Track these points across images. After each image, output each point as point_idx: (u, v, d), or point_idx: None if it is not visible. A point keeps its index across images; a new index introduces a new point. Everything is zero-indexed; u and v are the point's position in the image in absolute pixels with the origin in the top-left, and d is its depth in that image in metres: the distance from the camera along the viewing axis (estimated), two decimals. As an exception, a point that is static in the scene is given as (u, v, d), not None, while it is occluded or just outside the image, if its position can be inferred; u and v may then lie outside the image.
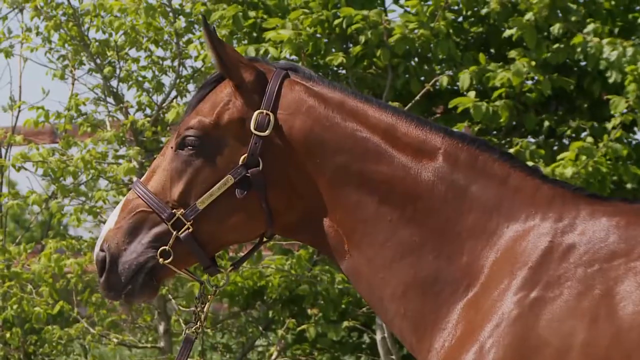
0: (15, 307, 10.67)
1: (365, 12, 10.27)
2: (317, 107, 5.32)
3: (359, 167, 5.28)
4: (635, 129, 11.01)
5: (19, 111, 11.29)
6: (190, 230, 5.11)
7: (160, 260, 5.07)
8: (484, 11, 10.76)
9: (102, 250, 5.16)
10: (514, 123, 10.78)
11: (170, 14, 10.87)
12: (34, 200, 11.29)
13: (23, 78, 14.15)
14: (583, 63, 10.93)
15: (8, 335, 10.79)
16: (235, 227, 5.32)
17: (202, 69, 10.85)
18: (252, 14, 10.99)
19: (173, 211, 5.13)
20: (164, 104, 10.86)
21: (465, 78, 10.18)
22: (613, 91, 10.18)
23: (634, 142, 10.93)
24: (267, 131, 5.17)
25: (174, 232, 5.10)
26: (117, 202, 9.05)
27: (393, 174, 5.24)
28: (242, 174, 5.15)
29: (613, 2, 11.02)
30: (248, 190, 5.16)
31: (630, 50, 9.94)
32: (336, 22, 10.37)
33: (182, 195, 5.18)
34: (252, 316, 11.09)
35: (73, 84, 11.06)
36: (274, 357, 10.48)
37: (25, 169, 11.13)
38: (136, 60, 11.09)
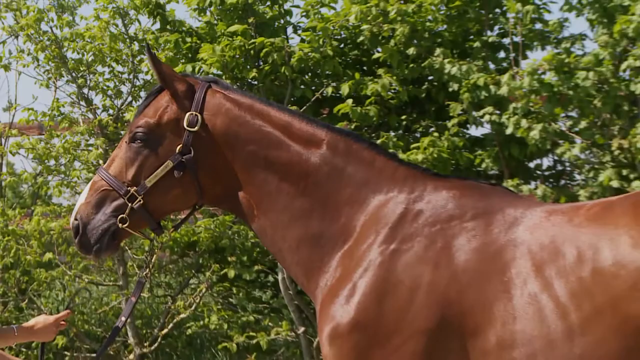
0: (11, 256, 11.67)
1: (272, 40, 11.24)
2: (233, 109, 6.11)
3: (265, 154, 6.05)
4: (468, 126, 11.80)
5: (15, 111, 12.54)
6: (141, 202, 5.95)
7: (120, 225, 5.94)
8: (359, 39, 11.60)
9: (75, 219, 6.05)
10: (381, 122, 11.65)
11: (127, 40, 11.84)
12: (25, 177, 12.82)
13: (18, 87, 15.47)
14: (430, 77, 11.80)
15: (7, 276, 11.83)
16: (174, 199, 6.16)
17: (151, 80, 11.60)
18: (188, 39, 11.85)
19: (128, 189, 5.94)
20: (123, 106, 11.94)
21: (345, 88, 11.30)
22: (452, 98, 11.34)
23: (467, 136, 11.79)
24: (196, 127, 6.00)
25: (129, 204, 5.95)
26: (88, 180, 11.08)
27: (290, 158, 6.04)
28: (179, 160, 5.96)
29: (454, 32, 11.73)
30: (183, 171, 5.98)
31: (464, 68, 10.80)
32: (251, 47, 11.27)
33: (135, 176, 6.01)
34: (186, 262, 12.05)
35: (55, 91, 12.22)
36: (202, 292, 11.47)
37: (20, 154, 12.34)
38: (102, 74, 12.12)
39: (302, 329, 10.84)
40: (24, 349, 12.09)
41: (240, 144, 6.09)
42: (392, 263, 5.66)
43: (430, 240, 5.69)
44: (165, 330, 11.50)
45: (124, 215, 5.96)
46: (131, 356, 11.27)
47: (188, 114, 6.03)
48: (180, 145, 6.00)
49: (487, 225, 5.69)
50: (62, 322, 6.37)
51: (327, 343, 5.69)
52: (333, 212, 6.00)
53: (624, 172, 10.14)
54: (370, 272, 5.68)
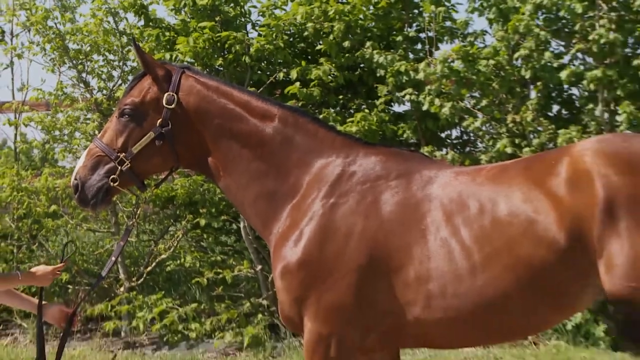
0: (24, 208, 11.58)
1: (235, 34, 11.16)
2: (202, 90, 6.11)
3: (229, 126, 6.05)
4: (392, 104, 11.75)
5: (27, 91, 12.30)
6: (129, 165, 5.93)
7: (111, 184, 5.92)
8: (305, 34, 11.65)
9: (75, 179, 6.02)
10: (322, 100, 11.54)
11: (117, 34, 11.73)
12: (36, 145, 12.74)
13: (29, 72, 15.32)
14: (362, 65, 11.82)
15: (20, 224, 11.74)
16: (155, 163, 6.13)
17: (136, 66, 11.43)
18: (167, 34, 11.75)
19: (118, 155, 5.93)
20: (114, 87, 11.80)
21: (293, 73, 11.25)
22: (379, 82, 11.37)
23: (391, 112, 11.77)
24: (173, 105, 5.97)
25: (119, 167, 5.93)
26: (85, 147, 9.87)
27: (249, 130, 6.04)
28: (159, 131, 5.96)
29: (381, 28, 11.71)
30: (163, 141, 5.99)
31: (389, 57, 10.96)
32: (217, 39, 11.20)
33: (123, 145, 5.99)
34: (166, 213, 11.89)
35: (59, 75, 12.00)
36: (179, 237, 11.39)
37: (31, 126, 12.31)
38: (97, 61, 12.01)
39: (259, 267, 10.82)
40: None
41: (209, 118, 6.08)
42: (331, 214, 5.70)
43: (362, 195, 5.74)
44: (149, 268, 11.41)
45: (115, 176, 5.92)
46: (122, 289, 11.24)
47: (166, 94, 6.01)
48: (160, 119, 5.98)
49: (407, 184, 5.76)
50: (58, 272, 6.29)
51: (279, 278, 5.75)
52: (284, 174, 6.00)
53: (517, 141, 10.30)
54: (314, 221, 5.72)
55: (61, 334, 6.25)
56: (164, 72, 6.09)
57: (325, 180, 5.88)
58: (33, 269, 6.28)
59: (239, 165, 6.07)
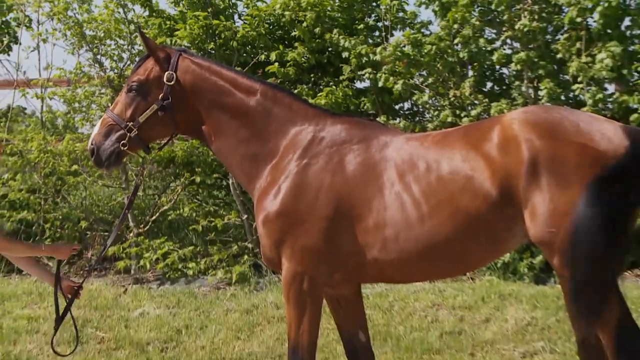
0: (50, 167, 11.48)
1: (224, 22, 11.17)
2: (197, 69, 6.05)
3: (219, 100, 6.00)
4: (355, 81, 11.71)
5: (51, 70, 12.08)
6: (136, 132, 5.89)
7: (122, 148, 5.87)
8: (282, 22, 11.70)
9: (91, 144, 5.98)
10: (297, 78, 11.43)
11: (126, 23, 11.58)
12: (59, 114, 12.80)
13: (53, 54, 15.11)
14: (330, 48, 11.65)
15: (47, 181, 11.57)
16: (158, 131, 6.09)
17: (142, 49, 11.07)
18: (167, 22, 11.73)
19: (127, 123, 5.89)
20: (124, 67, 11.65)
21: (273, 56, 11.21)
22: (344, 62, 11.30)
23: (354, 88, 11.65)
24: (172, 82, 5.92)
25: (128, 134, 5.89)
26: (100, 117, 9.93)
27: (236, 102, 5.98)
28: (161, 104, 5.90)
29: (345, 18, 11.69)
30: (164, 112, 5.93)
31: (352, 42, 10.91)
32: (210, 27, 11.16)
33: (131, 115, 5.94)
34: (168, 172, 11.81)
35: (78, 57, 11.89)
36: (179, 191, 11.34)
37: (55, 99, 12.16)
38: (109, 45, 11.84)
39: (245, 216, 10.82)
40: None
41: (202, 93, 6.04)
42: (304, 172, 5.74)
43: (330, 157, 5.77)
44: (154, 217, 11.31)
45: (125, 141, 5.90)
46: (131, 234, 11.17)
47: (166, 72, 5.95)
48: (162, 94, 5.93)
49: (367, 147, 5.80)
50: (74, 250, 6.25)
51: (261, 226, 5.79)
52: (265, 139, 5.98)
53: (457, 112, 10.35)
54: (290, 179, 5.76)
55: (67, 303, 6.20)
56: (165, 54, 6.03)
57: (299, 145, 5.88)
58: (55, 244, 6.26)
59: (227, 132, 6.03)
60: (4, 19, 12.62)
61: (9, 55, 12.67)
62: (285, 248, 5.75)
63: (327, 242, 5.63)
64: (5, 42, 12.57)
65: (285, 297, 5.79)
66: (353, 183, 5.68)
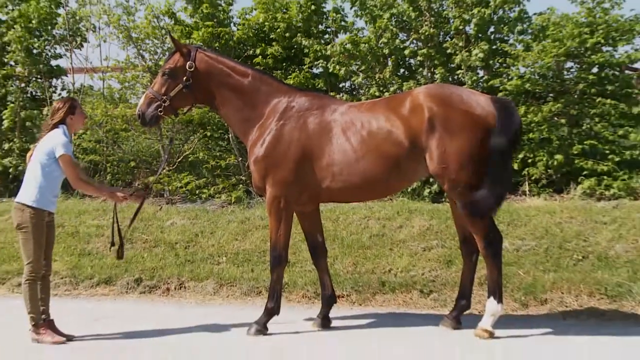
0: (109, 125, 11.23)
1: (225, 29, 10.79)
2: (208, 60, 6.00)
3: (224, 80, 5.97)
4: (313, 68, 10.99)
5: (108, 61, 11.91)
6: (168, 103, 5.92)
7: (159, 113, 5.92)
8: (264, 29, 11.10)
9: (139, 111, 5.98)
10: (274, 67, 10.93)
11: (159, 28, 11.22)
12: (115, 90, 12.31)
13: (110, 49, 14.78)
14: (296, 46, 11.02)
15: (107, 134, 11.25)
16: (183, 102, 6.08)
17: (169, 47, 10.75)
18: (186, 29, 11.00)
19: (162, 97, 5.90)
20: (158, 59, 11.30)
21: (257, 51, 10.80)
22: (305, 55, 10.77)
23: (311, 73, 10.92)
24: (192, 69, 5.89)
25: (163, 104, 5.90)
26: (143, 92, 9.99)
27: (235, 82, 5.96)
28: (185, 84, 5.91)
29: (306, 25, 11.08)
30: (187, 89, 5.93)
31: (310, 42, 10.50)
32: (215, 32, 10.70)
33: (165, 92, 5.91)
34: (188, 129, 11.23)
35: (127, 51, 11.56)
36: (195, 142, 10.95)
37: (112, 80, 11.89)
38: (148, 44, 11.50)
39: (240, 159, 10.59)
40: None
41: (212, 76, 6.01)
42: (281, 130, 5.79)
43: (297, 119, 5.81)
44: (179, 159, 10.96)
45: (161, 109, 5.96)
46: (165, 170, 10.94)
47: (188, 62, 5.97)
48: (185, 77, 5.96)
49: (322, 112, 5.84)
50: (129, 198, 6.08)
51: (252, 165, 5.89)
52: (254, 107, 5.96)
53: (381, 89, 10.14)
54: (271, 134, 5.80)
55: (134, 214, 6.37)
56: (187, 50, 6.03)
57: (277, 111, 5.87)
58: (116, 190, 6.19)
59: (229, 103, 6.00)
60: (77, 26, 12.17)
61: (80, 50, 12.24)
62: (268, 179, 5.77)
63: (296, 176, 5.71)
64: (78, 42, 12.15)
65: (268, 212, 5.84)
66: (313, 137, 5.72)
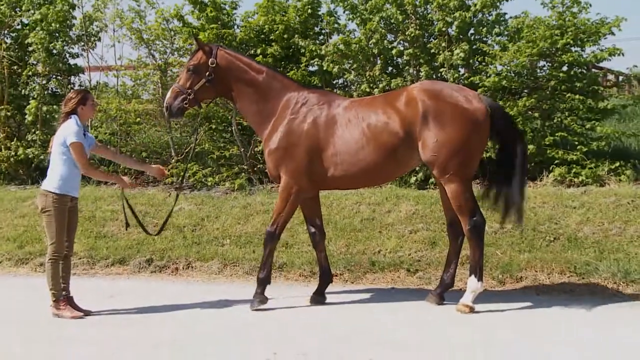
0: (123, 119, 11.05)
1: (229, 31, 10.56)
2: (228, 57, 6.00)
3: (242, 76, 5.95)
4: (309, 67, 10.63)
5: (122, 60, 11.54)
6: (192, 96, 5.90)
7: (185, 105, 5.91)
8: (264, 31, 10.72)
9: (166, 104, 5.96)
10: (276, 65, 10.42)
11: (169, 30, 11.02)
12: (128, 87, 11.77)
13: (123, 49, 14.72)
14: (294, 46, 10.64)
15: (121, 127, 11.16)
16: (206, 95, 6.05)
17: (179, 47, 11.07)
18: (193, 30, 10.50)
19: (187, 91, 5.88)
20: (167, 58, 11.10)
21: (258, 50, 10.46)
22: (302, 54, 10.52)
23: (308, 71, 10.67)
24: (214, 65, 5.89)
25: (188, 97, 5.88)
26: (154, 89, 10.74)
27: (250, 78, 5.94)
28: (207, 79, 5.91)
29: (301, 30, 10.79)
30: (210, 84, 5.92)
31: (307, 42, 10.24)
32: (220, 34, 10.43)
33: (190, 86, 5.89)
34: (195, 122, 10.68)
35: (139, 51, 11.33)
36: (202, 134, 10.65)
37: (125, 77, 11.57)
38: (158, 44, 11.21)
39: (242, 149, 10.42)
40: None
41: (231, 72, 6.01)
42: (292, 123, 5.80)
43: (306, 113, 5.81)
44: (187, 149, 10.81)
45: (186, 102, 5.96)
46: (173, 160, 10.87)
47: (210, 59, 5.97)
48: (208, 72, 5.96)
49: (329, 107, 5.84)
50: (166, 173, 6.42)
51: (267, 155, 5.91)
52: (267, 102, 5.94)
53: (371, 85, 9.90)
54: (283, 127, 5.81)
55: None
56: (209, 48, 6.05)
57: (288, 106, 5.86)
58: (149, 164, 6.57)
59: (246, 97, 5.99)
60: (92, 27, 12.01)
61: (94, 50, 12.04)
62: (282, 168, 5.79)
63: (306, 165, 5.72)
64: (93, 41, 11.98)
65: (280, 195, 5.83)
66: (320, 129, 5.72)
